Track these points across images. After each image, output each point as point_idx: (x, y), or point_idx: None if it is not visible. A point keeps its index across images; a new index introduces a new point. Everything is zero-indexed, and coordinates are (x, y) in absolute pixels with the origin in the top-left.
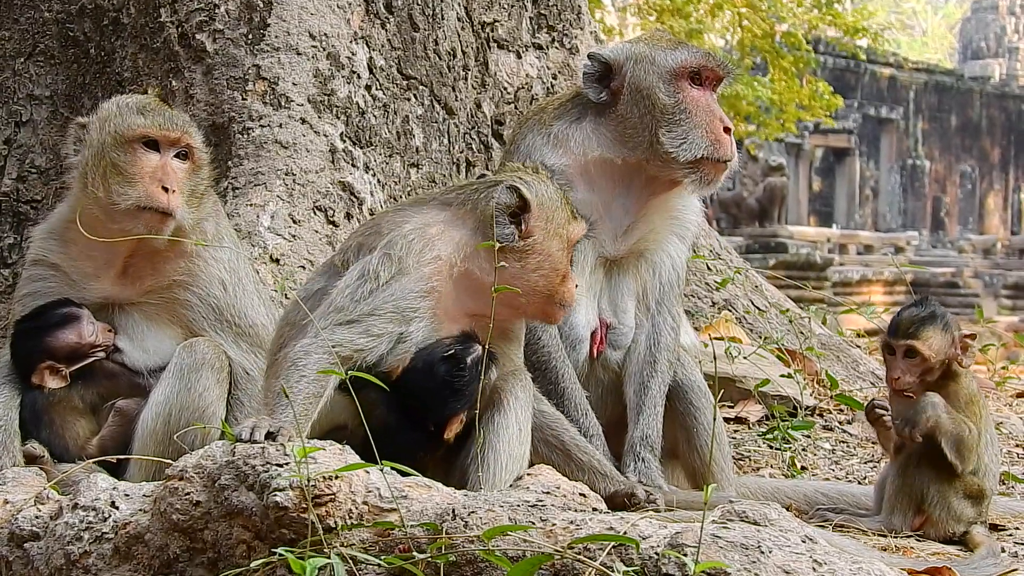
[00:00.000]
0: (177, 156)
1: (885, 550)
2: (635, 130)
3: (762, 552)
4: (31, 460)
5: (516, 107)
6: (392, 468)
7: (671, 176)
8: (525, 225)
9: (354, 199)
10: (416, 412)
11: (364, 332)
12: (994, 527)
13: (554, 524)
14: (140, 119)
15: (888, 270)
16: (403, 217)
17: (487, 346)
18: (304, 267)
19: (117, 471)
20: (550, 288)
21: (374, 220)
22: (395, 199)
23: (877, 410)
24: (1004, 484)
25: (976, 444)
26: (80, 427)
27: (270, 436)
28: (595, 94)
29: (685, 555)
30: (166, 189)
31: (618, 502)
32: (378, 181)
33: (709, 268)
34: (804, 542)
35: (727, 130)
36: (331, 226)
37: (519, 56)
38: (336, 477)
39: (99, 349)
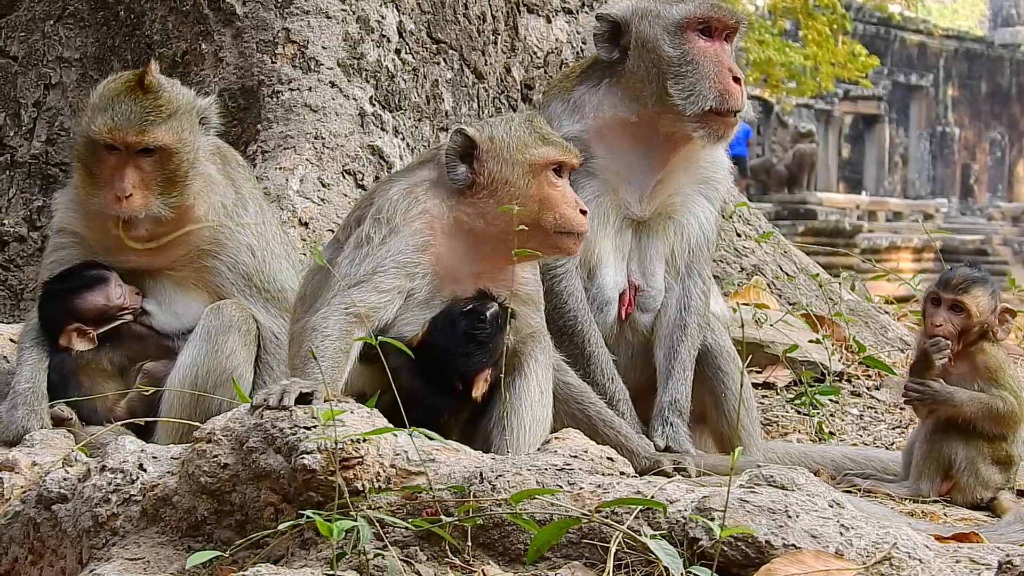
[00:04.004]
0: (142, 151)
1: (912, 515)
2: (643, 83)
3: (789, 516)
4: (59, 422)
5: (546, 72)
6: (419, 432)
7: (682, 131)
8: (478, 163)
9: (383, 163)
10: (441, 373)
11: (373, 289)
12: (1021, 493)
13: (581, 488)
14: (100, 119)
15: (917, 237)
16: (390, 183)
17: (503, 300)
18: (333, 231)
19: (145, 433)
20: (532, 218)
21: (368, 191)
22: None
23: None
24: None
25: (1018, 409)
26: (108, 390)
27: (303, 398)
28: (607, 53)
29: (712, 519)
30: (118, 197)
31: None
32: (407, 145)
33: (739, 234)
34: (832, 507)
35: (737, 80)
36: (360, 190)
37: (549, 20)
38: (364, 440)
39: (127, 311)
